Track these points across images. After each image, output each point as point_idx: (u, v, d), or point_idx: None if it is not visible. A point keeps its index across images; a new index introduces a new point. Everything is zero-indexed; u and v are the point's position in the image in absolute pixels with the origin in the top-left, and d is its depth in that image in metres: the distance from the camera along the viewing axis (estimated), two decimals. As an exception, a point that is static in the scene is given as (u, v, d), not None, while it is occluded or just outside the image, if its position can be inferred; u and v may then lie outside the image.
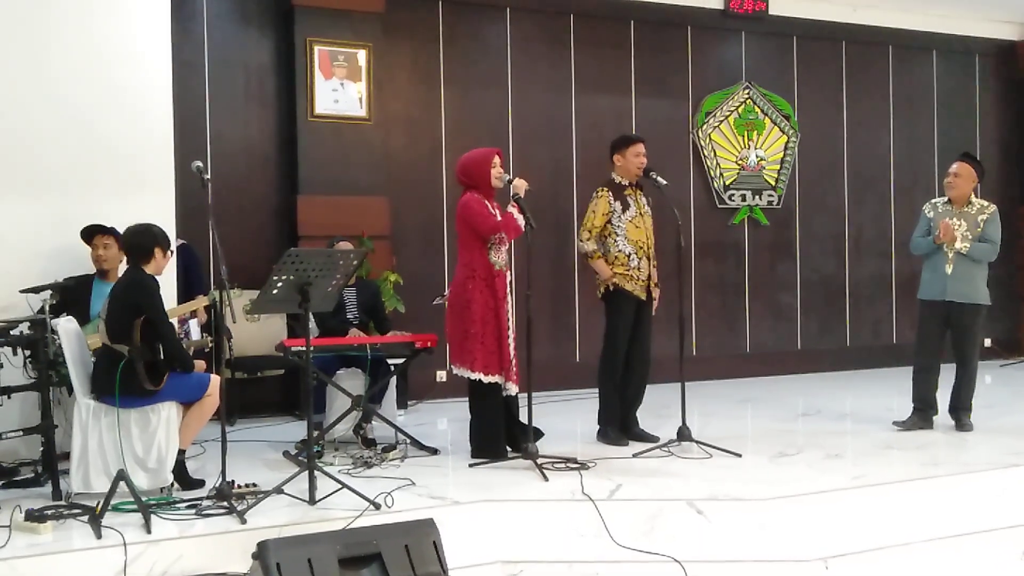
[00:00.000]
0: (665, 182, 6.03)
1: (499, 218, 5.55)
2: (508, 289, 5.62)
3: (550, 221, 5.69)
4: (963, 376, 6.48)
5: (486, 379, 5.52)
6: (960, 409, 6.49)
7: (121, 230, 5.25)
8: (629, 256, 6.06)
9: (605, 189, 6.15)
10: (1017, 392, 8.30)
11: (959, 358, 6.48)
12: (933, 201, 6.62)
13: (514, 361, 5.59)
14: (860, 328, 10.35)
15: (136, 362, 4.67)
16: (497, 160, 5.61)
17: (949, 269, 6.35)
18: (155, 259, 4.91)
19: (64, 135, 5.67)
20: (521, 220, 5.54)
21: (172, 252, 5.11)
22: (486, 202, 5.58)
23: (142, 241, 4.91)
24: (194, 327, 6.07)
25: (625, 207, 6.09)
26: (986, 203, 6.53)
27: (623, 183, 6.17)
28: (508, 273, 5.64)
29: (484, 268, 5.53)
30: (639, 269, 6.08)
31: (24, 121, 5.58)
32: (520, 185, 5.54)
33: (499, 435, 5.58)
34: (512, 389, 5.59)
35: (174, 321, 5.32)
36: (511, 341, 5.58)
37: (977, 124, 10.94)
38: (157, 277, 4.92)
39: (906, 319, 10.48)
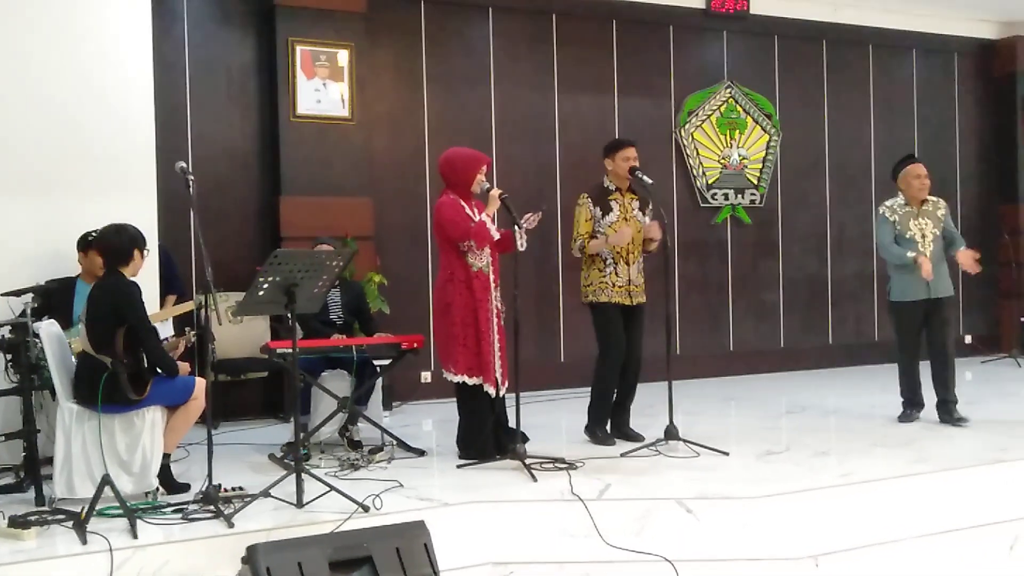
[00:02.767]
0: (651, 181, 6.00)
1: (474, 221, 5.51)
2: (491, 290, 5.57)
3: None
4: (948, 368, 6.56)
5: (470, 381, 5.51)
6: (950, 402, 6.56)
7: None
8: (606, 261, 6.04)
9: (585, 196, 6.12)
10: (998, 388, 8.36)
11: (942, 350, 6.56)
12: (889, 204, 6.64)
13: (498, 363, 5.56)
14: (842, 326, 10.41)
15: (120, 374, 4.61)
16: (484, 168, 5.61)
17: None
18: (133, 261, 4.84)
19: (45, 136, 5.60)
20: (494, 230, 5.52)
21: (148, 252, 5.01)
22: (463, 203, 5.56)
23: (119, 242, 4.81)
24: (166, 327, 6.02)
25: (606, 212, 6.06)
26: (935, 198, 6.66)
27: (610, 187, 6.13)
28: (491, 274, 5.60)
29: (462, 270, 5.52)
30: (616, 275, 6.04)
31: (4, 122, 5.51)
32: (494, 195, 5.51)
33: (485, 436, 5.56)
34: (492, 391, 5.54)
35: (159, 325, 5.26)
36: (495, 342, 5.54)
37: (956, 122, 11.02)
38: (136, 280, 4.86)
39: (888, 317, 10.52)
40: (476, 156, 5.66)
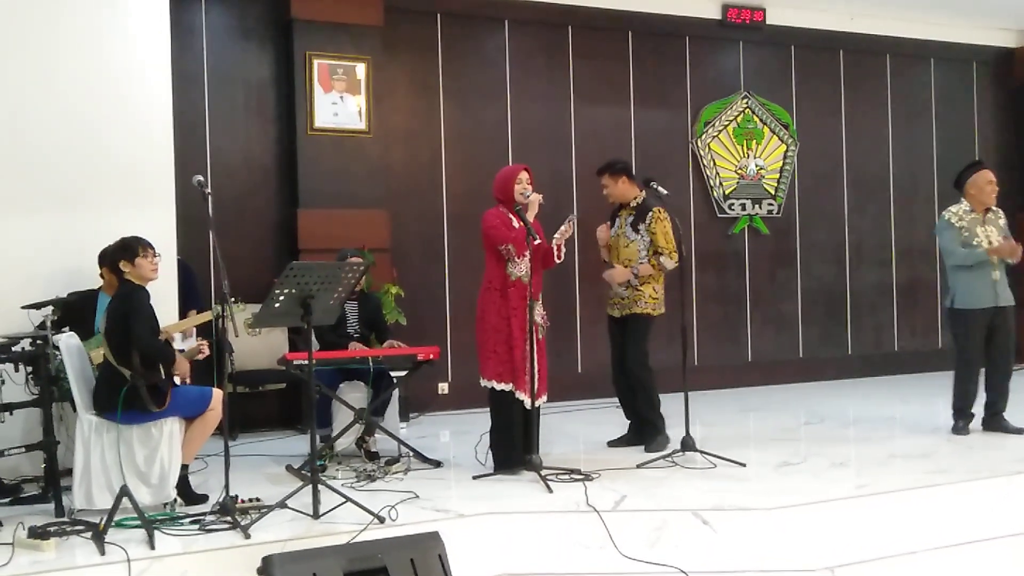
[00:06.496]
0: (666, 191, 6.07)
1: (516, 229, 5.57)
2: (530, 299, 5.50)
3: (550, 232, 5.69)
4: (1009, 378, 6.55)
5: (498, 387, 5.55)
6: (1002, 412, 6.53)
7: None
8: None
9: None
10: (1020, 399, 8.26)
11: (1006, 360, 6.52)
12: (954, 210, 6.54)
13: (534, 371, 5.50)
14: (861, 336, 10.35)
15: (139, 387, 4.67)
16: (524, 176, 5.65)
17: (997, 275, 6.43)
18: (125, 271, 4.89)
19: (66, 150, 5.66)
20: (534, 233, 5.54)
21: (153, 255, 4.97)
22: (510, 216, 5.62)
23: (111, 259, 5.00)
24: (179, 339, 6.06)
25: (612, 226, 6.41)
26: (995, 207, 6.62)
27: (618, 204, 6.43)
28: (529, 284, 5.52)
29: (500, 279, 5.58)
30: (610, 288, 6.34)
31: (27, 136, 5.58)
32: (533, 200, 5.55)
33: (511, 443, 5.55)
34: (526, 399, 5.51)
35: (180, 337, 5.31)
36: (531, 351, 5.49)
37: (975, 131, 10.96)
38: (148, 288, 4.92)
39: (907, 327, 10.50)
40: (513, 168, 5.77)
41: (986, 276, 6.41)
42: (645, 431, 6.24)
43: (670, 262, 6.18)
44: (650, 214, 6.22)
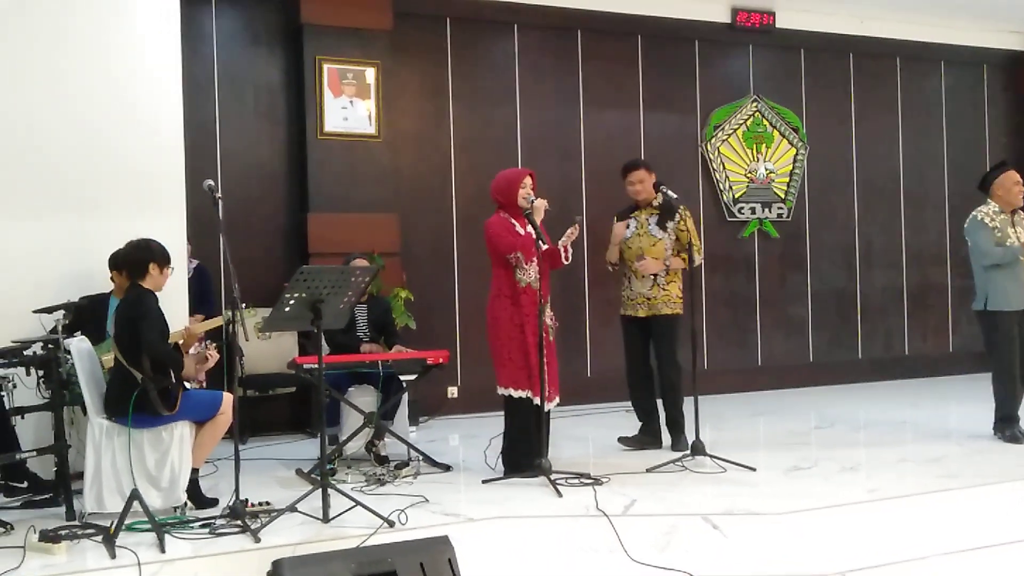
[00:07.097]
0: (676, 195, 6.10)
1: (521, 235, 5.56)
2: (541, 304, 5.50)
3: (559, 236, 5.69)
4: None
5: (515, 393, 5.53)
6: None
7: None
8: (624, 274, 6.37)
9: (614, 218, 6.49)
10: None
11: None
12: (984, 210, 6.46)
13: (543, 373, 5.49)
14: (872, 340, 10.32)
15: (150, 391, 4.68)
16: (528, 181, 5.63)
17: None
18: (150, 274, 4.90)
19: (77, 155, 5.68)
20: (541, 242, 5.54)
21: (172, 269, 5.05)
22: (513, 221, 5.61)
23: (137, 256, 4.93)
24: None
25: (626, 228, 6.39)
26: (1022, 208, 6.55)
27: (634, 204, 6.42)
28: (539, 289, 5.53)
29: (509, 286, 5.56)
30: (630, 289, 6.35)
31: (37, 141, 5.60)
32: (539, 205, 5.54)
33: (526, 448, 5.52)
34: (544, 404, 5.48)
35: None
36: (543, 355, 5.48)
37: (986, 134, 10.93)
38: (157, 293, 4.93)
39: (918, 331, 10.46)
40: (517, 172, 5.73)
41: (1018, 277, 6.33)
42: (672, 431, 6.31)
43: (698, 257, 6.28)
44: (678, 212, 6.27)
